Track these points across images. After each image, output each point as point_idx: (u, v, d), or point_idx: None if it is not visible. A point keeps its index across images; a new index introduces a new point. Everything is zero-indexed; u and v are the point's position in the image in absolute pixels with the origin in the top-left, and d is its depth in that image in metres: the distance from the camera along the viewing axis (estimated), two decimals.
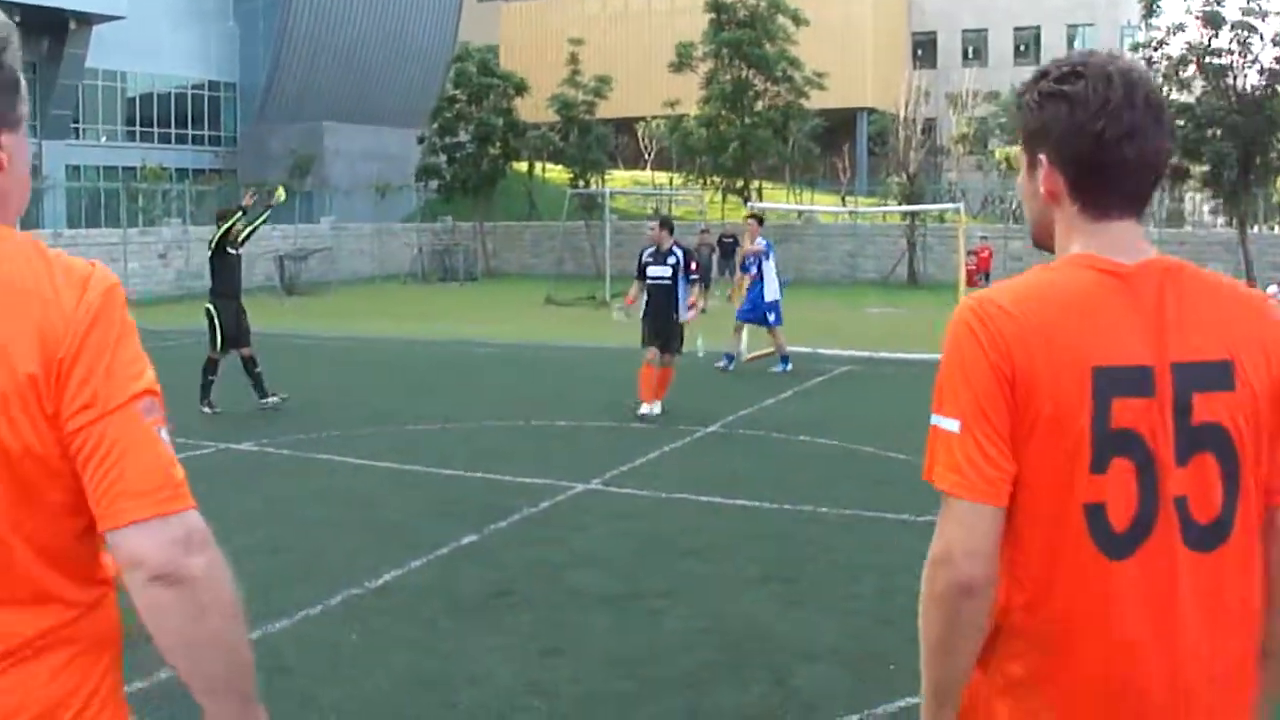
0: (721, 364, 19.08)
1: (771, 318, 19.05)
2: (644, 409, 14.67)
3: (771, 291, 19.11)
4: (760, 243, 19.53)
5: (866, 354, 20.09)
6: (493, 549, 8.84)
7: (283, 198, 17.04)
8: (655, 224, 15.87)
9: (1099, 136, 2.21)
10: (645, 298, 15.29)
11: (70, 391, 1.91)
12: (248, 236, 15.42)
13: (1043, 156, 2.31)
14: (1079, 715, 2.20)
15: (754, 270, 19.54)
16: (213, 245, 15.24)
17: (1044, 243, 2.42)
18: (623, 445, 12.85)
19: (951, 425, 2.18)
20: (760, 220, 20.26)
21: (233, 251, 15.20)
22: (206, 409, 14.67)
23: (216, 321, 15.01)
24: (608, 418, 14.62)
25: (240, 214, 15.26)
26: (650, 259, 15.28)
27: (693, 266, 15.31)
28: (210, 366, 14.96)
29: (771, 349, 21.06)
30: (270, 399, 15.06)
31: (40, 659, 1.98)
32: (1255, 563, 2.24)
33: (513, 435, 13.61)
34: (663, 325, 14.92)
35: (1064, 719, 2.21)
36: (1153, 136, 2.23)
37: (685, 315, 15.07)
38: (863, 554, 8.79)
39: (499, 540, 9.08)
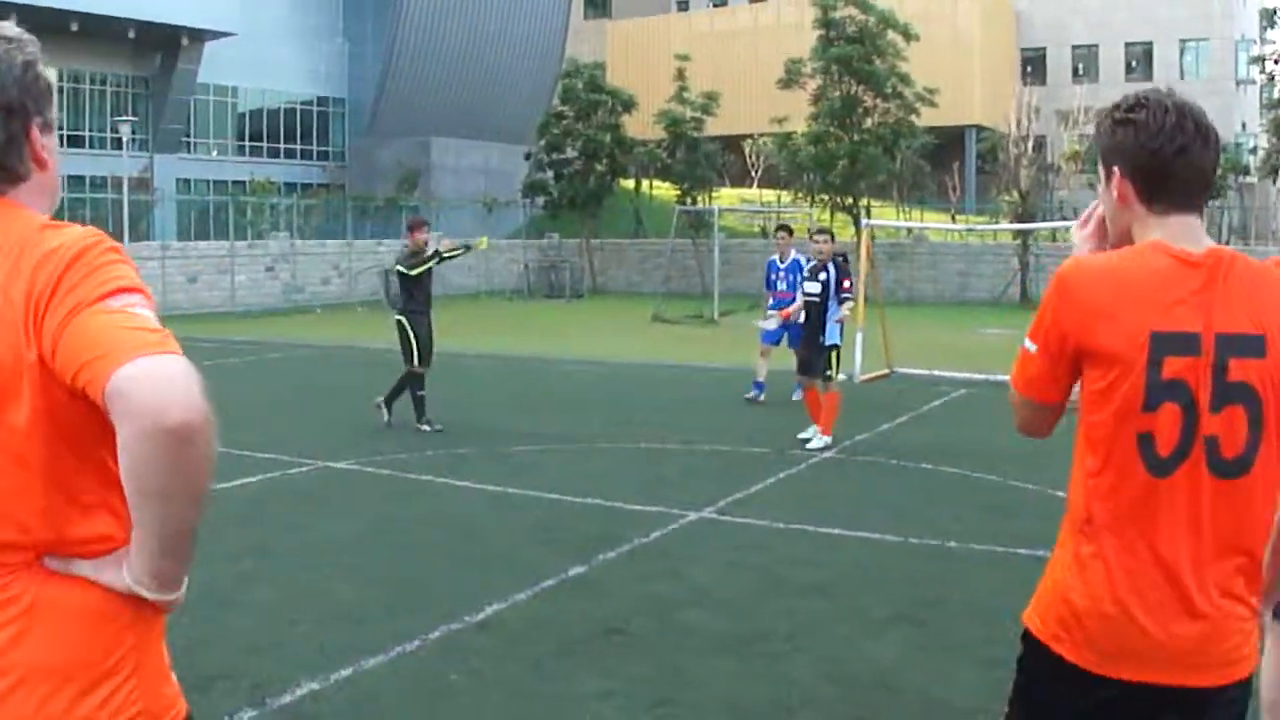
0: (752, 394, 17.38)
1: (786, 339, 16.72)
2: (810, 437, 13.92)
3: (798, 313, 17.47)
4: (794, 257, 17.36)
5: (983, 377, 19.34)
6: (601, 582, 8.35)
7: (484, 246, 16.82)
8: (826, 237, 14.76)
9: (1158, 153, 2.89)
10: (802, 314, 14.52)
11: (49, 320, 2.01)
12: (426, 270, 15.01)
13: (1116, 169, 2.98)
14: (1123, 583, 2.88)
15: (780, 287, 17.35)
16: (402, 272, 14.96)
17: (1122, 240, 3.04)
18: (736, 471, 12.33)
19: (1030, 347, 2.98)
20: (790, 231, 18.01)
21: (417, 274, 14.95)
22: (425, 427, 14.45)
23: (411, 334, 14.80)
24: (720, 441, 14.10)
25: (436, 256, 14.97)
26: (807, 275, 14.54)
27: (845, 285, 14.20)
28: (416, 382, 14.72)
29: (887, 371, 20.48)
30: (423, 425, 14.60)
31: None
32: (1266, 495, 2.88)
33: (622, 458, 13.13)
34: (805, 347, 14.31)
35: (1114, 587, 2.89)
36: (1199, 153, 2.90)
37: (831, 337, 14.07)
38: (997, 594, 8.15)
39: (608, 572, 8.58)
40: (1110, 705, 2.95)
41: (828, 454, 13.32)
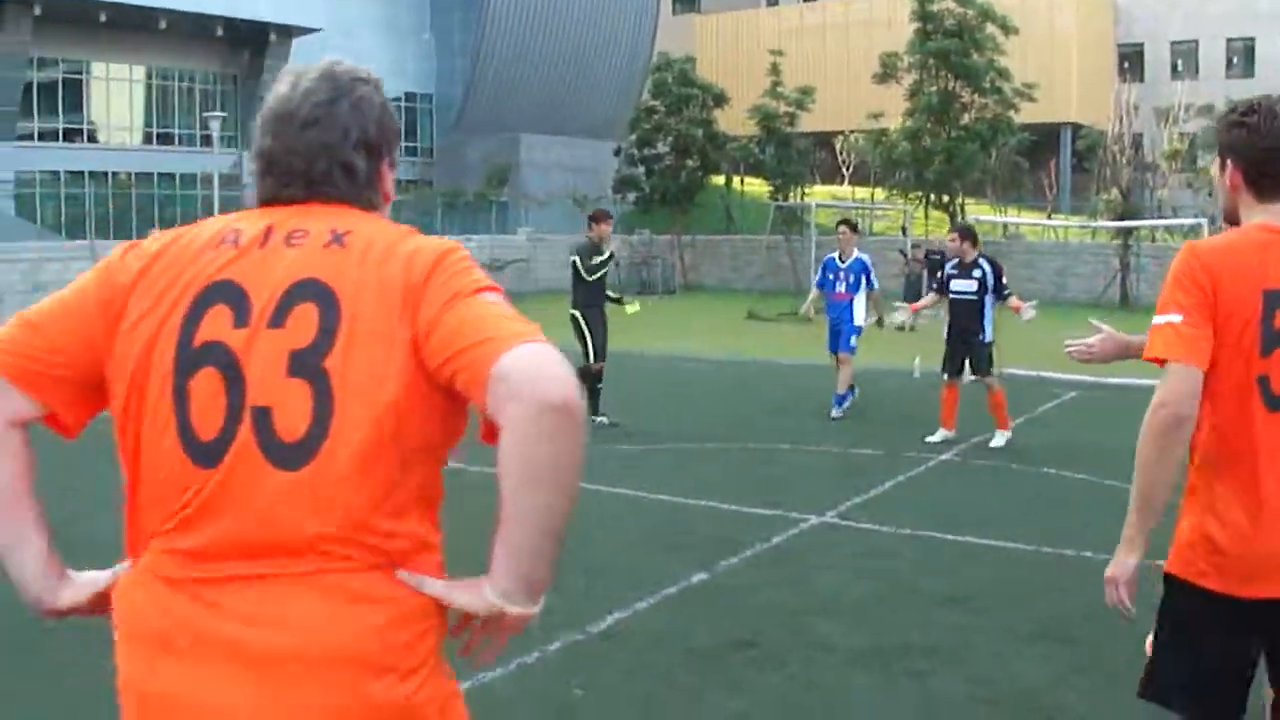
0: (837, 412, 15.74)
1: (854, 342, 15.99)
2: (936, 435, 13.82)
3: (860, 315, 16.03)
4: (857, 256, 16.18)
5: (1092, 379, 18.69)
6: (727, 590, 7.91)
7: (633, 310, 16.28)
8: (955, 235, 14.45)
9: (1265, 151, 3.44)
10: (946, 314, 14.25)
11: (424, 309, 2.18)
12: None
13: (1229, 162, 3.53)
14: (1257, 511, 3.33)
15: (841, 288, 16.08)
16: (577, 267, 14.85)
17: (1232, 219, 3.60)
18: (851, 473, 11.88)
19: (1173, 318, 3.31)
20: (854, 227, 16.72)
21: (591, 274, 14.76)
22: (603, 419, 14.32)
23: (585, 330, 14.70)
24: (828, 442, 13.65)
25: (611, 257, 15.05)
26: (954, 271, 14.06)
27: (1004, 280, 13.89)
28: (595, 376, 14.54)
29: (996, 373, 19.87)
30: (600, 418, 14.34)
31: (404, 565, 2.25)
32: None
33: (731, 459, 12.70)
34: (964, 346, 13.84)
35: (1251, 516, 3.34)
36: None
37: (990, 333, 13.75)
38: (1144, 611, 7.64)
39: (732, 580, 8.15)
40: (1260, 623, 3.43)
41: (944, 456, 12.83)
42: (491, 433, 2.12)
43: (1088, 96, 66.76)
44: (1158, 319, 3.37)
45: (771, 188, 52.38)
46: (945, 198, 47.71)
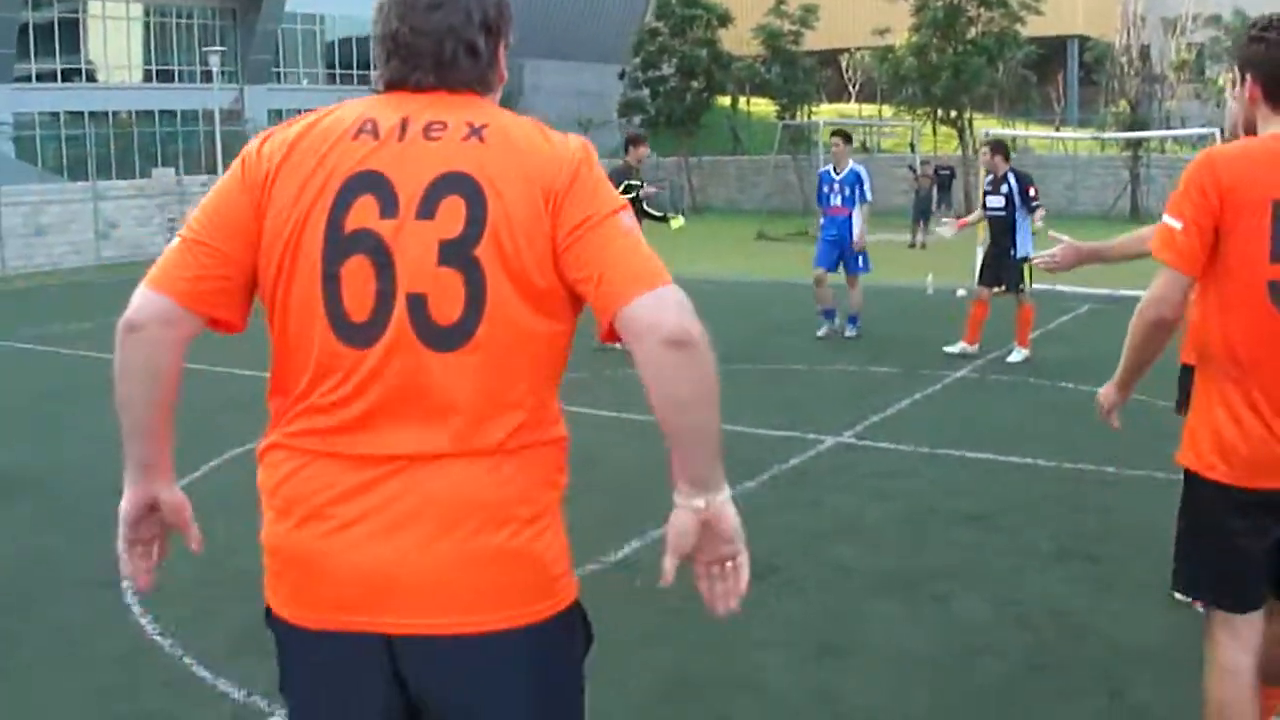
0: (824, 330, 15.34)
1: (860, 263, 15.34)
2: (955, 347, 13.80)
3: (859, 230, 15.20)
4: (851, 167, 15.44)
5: (1107, 291, 18.37)
6: (744, 515, 7.54)
7: (678, 225, 15.86)
8: (987, 149, 14.28)
9: None
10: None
11: (564, 215, 2.33)
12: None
13: (1249, 75, 3.65)
14: (1266, 408, 3.50)
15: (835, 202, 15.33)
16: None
17: (1250, 131, 3.70)
18: (868, 392, 11.72)
19: (1174, 224, 3.52)
20: (847, 138, 16.17)
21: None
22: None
23: None
24: (843, 360, 13.49)
25: (635, 195, 14.43)
26: (988, 187, 13.84)
27: (1031, 193, 13.55)
28: None
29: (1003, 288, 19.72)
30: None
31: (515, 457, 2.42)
32: None
33: (746, 380, 12.46)
34: (996, 261, 13.70)
35: (1259, 413, 3.52)
36: None
37: (1024, 248, 13.43)
38: (1168, 528, 7.47)
39: (751, 504, 7.91)
40: (1269, 513, 3.60)
41: (960, 372, 12.67)
42: (610, 335, 2.36)
43: (1094, 8, 65.92)
44: (1165, 218, 3.59)
45: (778, 107, 51.90)
46: (953, 113, 47.22)
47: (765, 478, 8.58)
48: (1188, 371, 4.71)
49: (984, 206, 13.96)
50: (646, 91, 50.75)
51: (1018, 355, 13.48)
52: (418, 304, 2.32)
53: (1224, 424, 3.60)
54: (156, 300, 2.40)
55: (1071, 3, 63.78)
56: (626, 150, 15.02)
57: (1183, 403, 5.50)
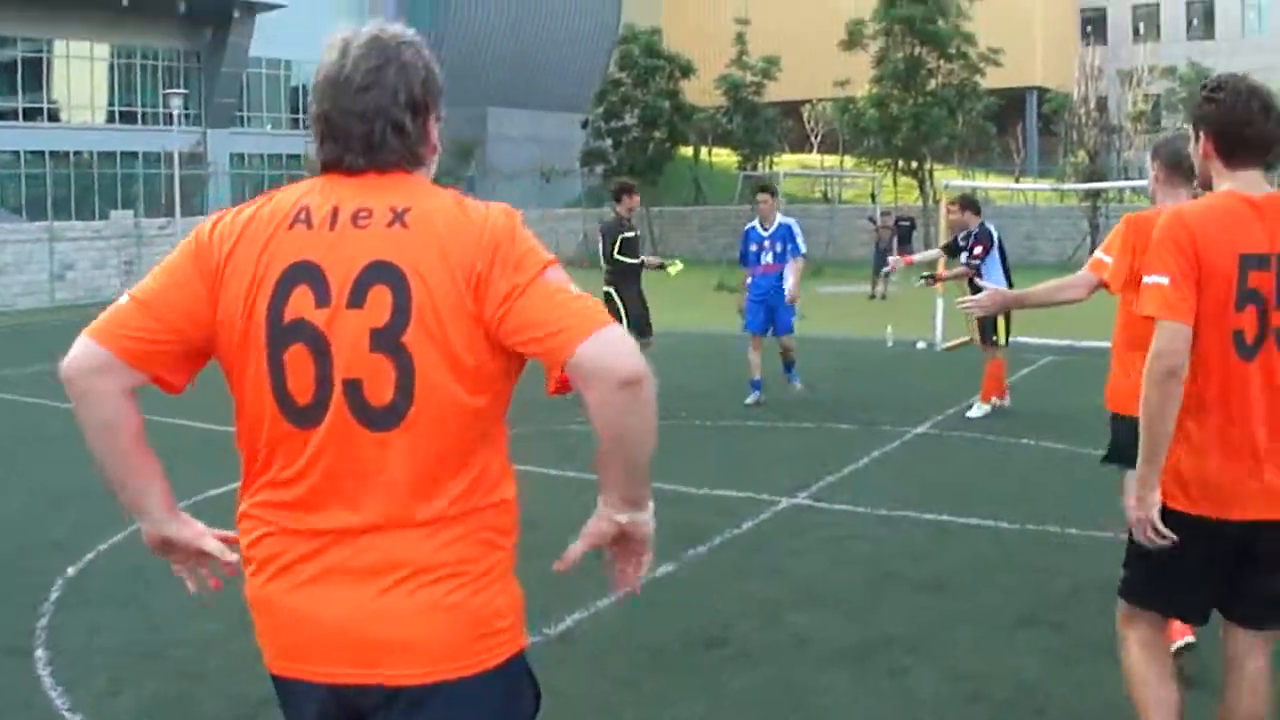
0: (753, 399, 14.20)
1: (789, 320, 14.39)
2: (980, 409, 13.36)
3: (793, 284, 14.15)
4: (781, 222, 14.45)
5: (1067, 343, 18.30)
6: (696, 583, 7.47)
7: (675, 271, 15.32)
8: (956, 205, 13.96)
9: (1232, 125, 3.94)
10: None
11: (491, 292, 2.46)
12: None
13: (1202, 133, 4.03)
14: (1221, 447, 3.88)
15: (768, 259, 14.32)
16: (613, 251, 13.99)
17: (1205, 184, 4.11)
18: (824, 450, 11.47)
19: (1162, 280, 3.79)
20: (773, 192, 15.32)
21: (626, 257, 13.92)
22: None
23: (620, 306, 13.71)
24: (802, 417, 13.25)
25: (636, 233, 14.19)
26: (962, 243, 13.59)
27: (975, 251, 13.20)
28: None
29: (968, 338, 19.58)
30: None
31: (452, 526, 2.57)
32: None
33: (699, 436, 12.28)
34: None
35: (1214, 450, 3.88)
36: (1263, 126, 3.91)
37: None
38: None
39: (701, 571, 7.71)
40: (1220, 542, 3.94)
41: (920, 428, 12.46)
42: (558, 389, 2.52)
43: (1052, 60, 66.57)
44: (1148, 279, 3.83)
45: (740, 157, 52.00)
46: (913, 164, 47.40)
47: (717, 542, 8.31)
48: (1119, 420, 5.87)
49: (961, 260, 13.58)
50: (609, 141, 50.73)
51: (978, 411, 13.28)
52: (353, 388, 2.48)
53: (1184, 459, 3.94)
54: (97, 353, 2.54)
55: (1030, 55, 64.32)
56: (618, 200, 14.32)
57: (1114, 453, 6.16)
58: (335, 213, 2.56)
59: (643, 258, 14.27)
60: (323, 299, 2.50)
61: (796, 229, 14.43)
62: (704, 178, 54.45)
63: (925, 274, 14.65)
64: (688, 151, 55.78)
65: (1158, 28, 71.36)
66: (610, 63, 54.03)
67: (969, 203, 13.82)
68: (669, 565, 7.66)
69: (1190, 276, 3.77)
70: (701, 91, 52.20)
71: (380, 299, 2.47)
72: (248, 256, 2.54)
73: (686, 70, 50.76)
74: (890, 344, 19.84)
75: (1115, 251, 5.84)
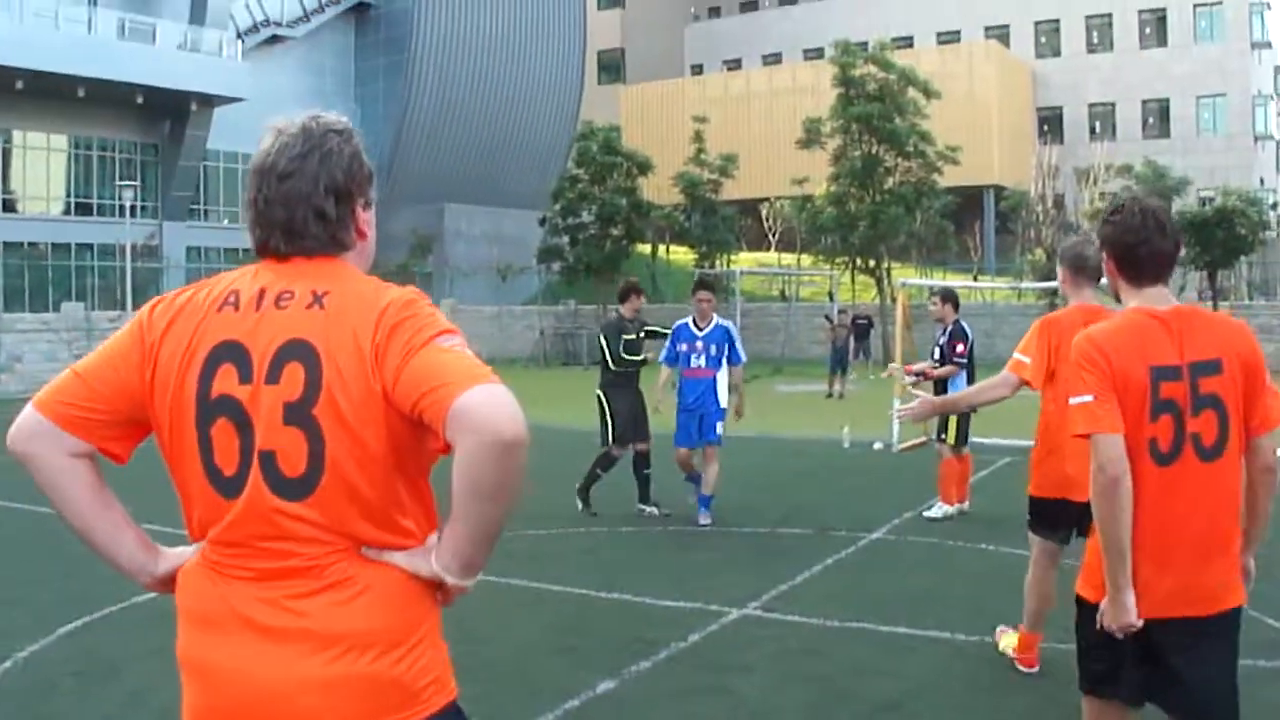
0: (705, 519, 12.79)
1: (720, 429, 13.05)
2: (942, 510, 13.06)
3: (724, 395, 13.03)
4: (717, 323, 13.13)
5: (1027, 443, 17.98)
6: (637, 701, 7.00)
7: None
8: (937, 299, 13.61)
9: (1129, 245, 4.23)
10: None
11: (388, 360, 2.55)
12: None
13: (1104, 253, 4.34)
14: (1154, 548, 4.05)
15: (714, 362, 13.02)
16: (602, 346, 13.49)
17: (1117, 297, 4.42)
18: (777, 556, 11.06)
19: (1086, 399, 4.02)
20: (713, 289, 13.82)
21: (628, 356, 13.29)
22: (653, 509, 13.11)
23: (607, 410, 13.16)
24: (753, 521, 12.86)
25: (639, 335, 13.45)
26: (940, 337, 13.35)
27: (959, 349, 13.04)
28: (602, 461, 13.30)
29: (924, 439, 19.32)
30: (649, 508, 13.17)
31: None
32: (1238, 472, 4.15)
33: (646, 544, 11.85)
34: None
35: (1148, 552, 4.04)
36: (1159, 243, 4.20)
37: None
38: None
39: (643, 688, 7.24)
40: (1158, 639, 4.09)
41: (875, 534, 12.07)
42: (448, 448, 2.50)
43: (1009, 159, 67.24)
44: (1074, 400, 4.08)
45: (697, 255, 51.93)
46: (871, 262, 47.41)
47: (662, 657, 7.83)
48: (1037, 502, 7.42)
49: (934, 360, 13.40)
50: (566, 238, 50.65)
51: (939, 511, 13.00)
52: (269, 459, 2.59)
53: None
54: (37, 420, 2.69)
55: (987, 153, 64.87)
56: (623, 300, 13.66)
57: (1033, 522, 7.54)
58: (261, 295, 2.68)
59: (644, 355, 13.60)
60: (245, 375, 2.62)
61: (736, 333, 13.23)
62: (661, 275, 54.38)
63: (915, 374, 14.15)
64: (645, 249, 55.72)
65: (1114, 127, 72.31)
66: (569, 160, 54.06)
67: (949, 295, 13.61)
68: (610, 682, 7.24)
69: (1110, 391, 4.00)
70: (659, 189, 52.27)
71: (294, 374, 2.59)
72: (180, 336, 2.67)
73: (644, 167, 50.82)
74: (847, 444, 19.52)
75: (1032, 351, 6.91)
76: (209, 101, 52.13)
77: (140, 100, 49.99)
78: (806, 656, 7.94)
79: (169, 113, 52.09)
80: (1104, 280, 7.91)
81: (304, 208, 2.71)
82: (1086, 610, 4.25)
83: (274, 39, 59.43)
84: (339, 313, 2.63)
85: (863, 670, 7.66)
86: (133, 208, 38.22)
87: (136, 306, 37.86)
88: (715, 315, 13.10)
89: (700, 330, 12.95)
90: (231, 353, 2.64)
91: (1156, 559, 4.05)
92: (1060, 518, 7.20)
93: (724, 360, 12.93)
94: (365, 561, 2.62)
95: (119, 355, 2.73)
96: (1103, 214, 4.38)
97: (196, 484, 2.67)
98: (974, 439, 14.90)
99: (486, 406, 2.43)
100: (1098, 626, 4.13)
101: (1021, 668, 7.55)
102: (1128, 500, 3.96)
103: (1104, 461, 3.95)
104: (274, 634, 2.59)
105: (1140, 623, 4.05)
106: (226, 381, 2.62)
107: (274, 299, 2.68)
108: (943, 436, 13.09)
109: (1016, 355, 6.99)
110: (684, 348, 12.96)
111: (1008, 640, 7.83)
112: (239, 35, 56.03)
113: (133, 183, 39.56)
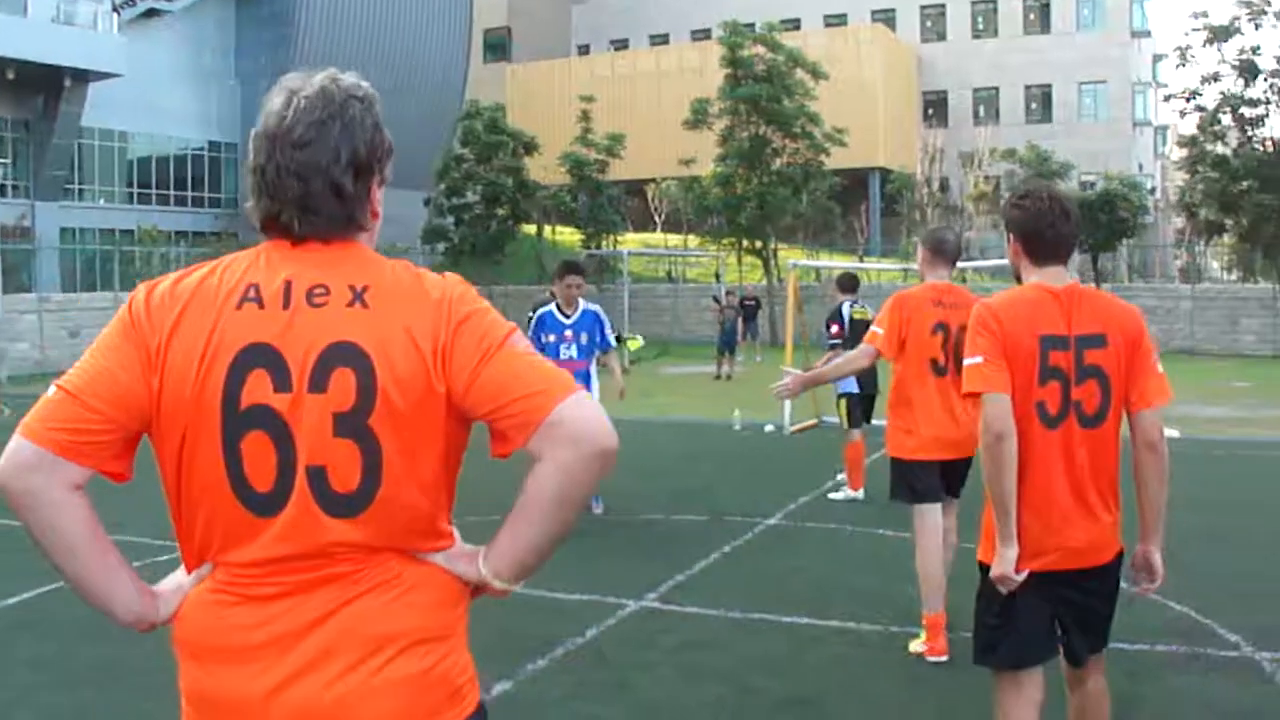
0: (598, 508, 12.21)
1: None
2: (845, 494, 13.03)
3: (596, 387, 12.39)
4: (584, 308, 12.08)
5: None
6: (531, 704, 6.66)
7: (635, 347, 13.85)
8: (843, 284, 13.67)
9: (1035, 228, 4.56)
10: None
11: (457, 362, 2.39)
12: None
13: (1011, 235, 4.65)
14: (1042, 508, 4.38)
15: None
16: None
17: (1018, 278, 4.69)
18: (671, 545, 10.80)
19: (977, 359, 4.36)
20: (584, 273, 12.57)
21: None
22: (597, 509, 12.23)
23: None
24: (647, 508, 12.57)
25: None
26: (829, 318, 13.37)
27: (833, 331, 13.10)
28: None
29: (815, 420, 19.20)
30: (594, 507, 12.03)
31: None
32: (1116, 439, 4.47)
33: None
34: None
35: (1036, 512, 4.38)
36: (1063, 227, 4.56)
37: (843, 385, 12.93)
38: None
39: (538, 689, 6.90)
40: (1050, 590, 4.44)
41: (771, 520, 11.85)
42: (503, 451, 2.42)
43: (895, 142, 67.70)
44: (967, 361, 4.40)
45: (583, 236, 51.60)
46: (758, 243, 47.36)
47: (558, 654, 7.50)
48: (892, 462, 7.72)
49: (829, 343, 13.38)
50: (451, 219, 50.07)
51: (842, 494, 12.98)
52: (318, 475, 2.36)
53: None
54: (32, 451, 2.35)
55: (873, 136, 65.14)
56: (558, 279, 12.19)
57: (893, 491, 7.90)
58: (287, 289, 2.43)
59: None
60: (282, 383, 2.37)
61: (605, 317, 12.17)
62: (547, 256, 53.97)
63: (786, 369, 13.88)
64: (531, 230, 55.29)
65: (997, 111, 73.10)
66: (454, 140, 53.39)
67: (841, 280, 13.77)
68: (504, 684, 6.89)
69: (1000, 354, 4.34)
70: (546, 170, 51.82)
71: (344, 382, 2.37)
72: (194, 337, 2.39)
73: (530, 147, 50.38)
74: (738, 427, 19.33)
75: (885, 325, 7.31)
76: (84, 77, 50.58)
77: (11, 75, 48.35)
78: (708, 651, 7.66)
79: (41, 88, 50.48)
80: (958, 265, 8.08)
81: (321, 181, 2.45)
82: (986, 573, 4.52)
83: (151, 12, 57.68)
84: (386, 309, 2.42)
85: (767, 664, 7.38)
86: (2, 187, 36.92)
87: (8, 289, 36.99)
88: (582, 300, 12.04)
89: (567, 318, 11.90)
90: (262, 357, 2.38)
91: (1043, 516, 4.38)
92: (919, 476, 7.51)
93: (595, 349, 12.00)
94: (406, 560, 2.46)
95: (116, 364, 2.42)
96: (1010, 199, 4.74)
97: (217, 501, 2.40)
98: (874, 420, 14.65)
99: (586, 418, 2.35)
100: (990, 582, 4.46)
101: (930, 658, 7.33)
102: (1012, 457, 4.29)
103: (989, 417, 4.30)
104: (314, 649, 2.38)
105: (1020, 577, 4.38)
106: (259, 390, 2.37)
107: (304, 295, 2.43)
108: (837, 419, 13.01)
109: (873, 328, 7.46)
110: (551, 339, 11.77)
111: (915, 645, 7.61)
112: (115, 8, 54.32)
113: (2, 161, 38.26)
